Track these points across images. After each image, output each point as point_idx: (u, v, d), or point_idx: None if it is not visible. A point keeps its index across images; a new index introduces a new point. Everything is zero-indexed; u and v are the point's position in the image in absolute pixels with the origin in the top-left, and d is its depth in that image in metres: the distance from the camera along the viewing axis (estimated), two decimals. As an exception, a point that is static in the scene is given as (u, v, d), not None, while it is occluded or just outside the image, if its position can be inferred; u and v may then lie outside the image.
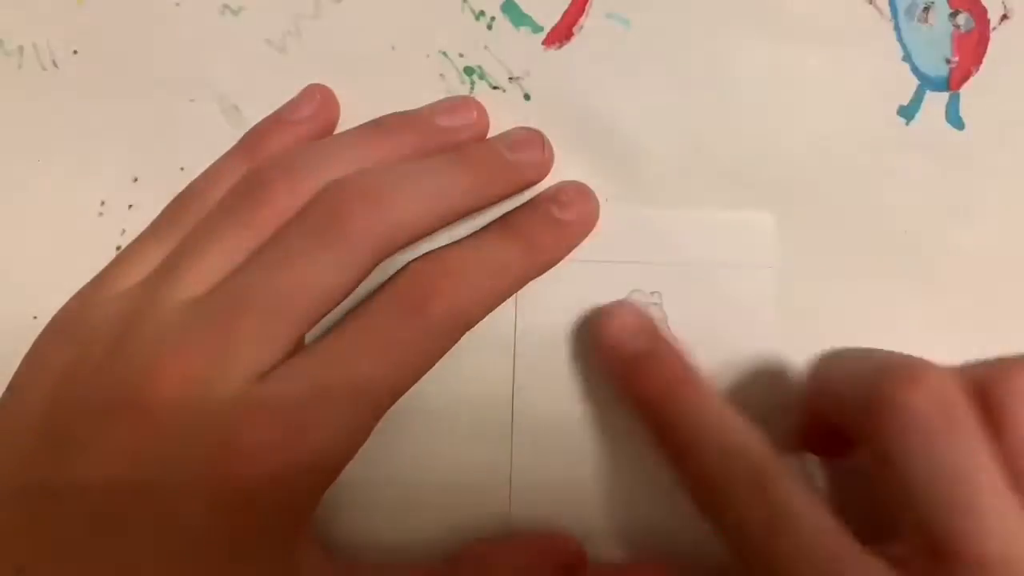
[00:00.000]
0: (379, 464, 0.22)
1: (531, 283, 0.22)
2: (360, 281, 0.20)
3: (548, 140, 0.23)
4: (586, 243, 0.23)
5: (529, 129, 0.24)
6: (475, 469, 0.24)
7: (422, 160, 0.22)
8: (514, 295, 0.23)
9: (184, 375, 0.18)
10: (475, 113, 0.23)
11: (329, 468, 0.19)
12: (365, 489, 0.23)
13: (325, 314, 0.20)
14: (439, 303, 0.20)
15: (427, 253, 0.21)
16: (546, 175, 0.24)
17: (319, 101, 0.24)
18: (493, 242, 0.22)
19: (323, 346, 0.20)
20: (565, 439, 0.24)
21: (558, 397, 0.24)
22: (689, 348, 0.23)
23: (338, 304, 0.20)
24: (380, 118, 0.23)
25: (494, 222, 0.23)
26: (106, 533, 0.18)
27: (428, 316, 0.20)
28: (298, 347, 0.20)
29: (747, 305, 0.24)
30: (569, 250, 0.23)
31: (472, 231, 0.23)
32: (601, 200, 0.24)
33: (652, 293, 0.24)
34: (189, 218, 0.22)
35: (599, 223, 0.24)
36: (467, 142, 0.23)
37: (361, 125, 0.23)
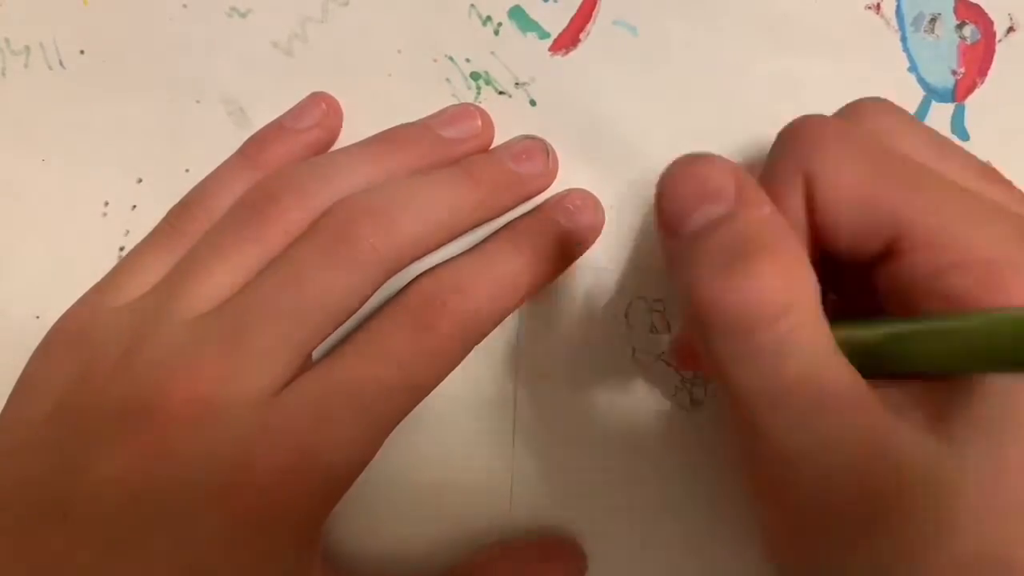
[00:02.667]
0: (381, 466, 0.22)
1: (536, 288, 0.22)
2: (368, 298, 0.20)
3: (552, 148, 0.23)
4: (591, 249, 0.23)
5: (533, 138, 0.24)
6: (477, 470, 0.24)
7: (428, 176, 0.22)
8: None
9: (195, 393, 0.18)
10: (479, 121, 0.23)
11: (340, 484, 0.19)
12: (367, 490, 0.23)
13: (334, 330, 0.20)
14: (448, 320, 0.20)
15: (435, 268, 0.21)
16: (551, 184, 0.24)
17: (322, 110, 0.24)
18: (500, 254, 0.22)
19: (333, 363, 0.20)
20: (567, 441, 0.24)
21: (560, 400, 0.24)
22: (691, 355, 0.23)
23: (346, 320, 0.20)
24: (386, 131, 0.23)
25: (500, 231, 0.23)
26: (115, 550, 0.18)
27: (438, 334, 0.20)
28: (307, 363, 0.20)
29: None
30: (577, 258, 0.23)
31: (478, 238, 0.23)
32: (606, 207, 0.24)
33: (655, 300, 0.24)
34: (193, 227, 0.22)
35: (605, 230, 0.24)
36: (472, 154, 0.23)
37: (367, 139, 0.23)
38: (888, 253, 0.16)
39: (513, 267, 0.21)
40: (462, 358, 0.21)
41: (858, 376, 0.15)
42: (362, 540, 0.24)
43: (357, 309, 0.20)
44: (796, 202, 0.17)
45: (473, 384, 0.23)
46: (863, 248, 0.17)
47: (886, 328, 0.16)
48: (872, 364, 0.16)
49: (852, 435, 0.15)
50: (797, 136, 0.17)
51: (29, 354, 0.21)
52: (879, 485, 0.15)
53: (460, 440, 0.24)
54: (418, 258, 0.21)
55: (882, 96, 0.19)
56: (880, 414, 0.15)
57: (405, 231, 0.20)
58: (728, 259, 0.15)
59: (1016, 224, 0.16)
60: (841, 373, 0.15)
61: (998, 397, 0.15)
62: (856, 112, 0.19)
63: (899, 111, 0.19)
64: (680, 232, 0.16)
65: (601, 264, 0.24)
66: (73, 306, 0.22)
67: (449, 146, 0.23)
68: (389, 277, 0.20)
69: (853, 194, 0.16)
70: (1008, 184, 0.18)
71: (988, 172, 0.18)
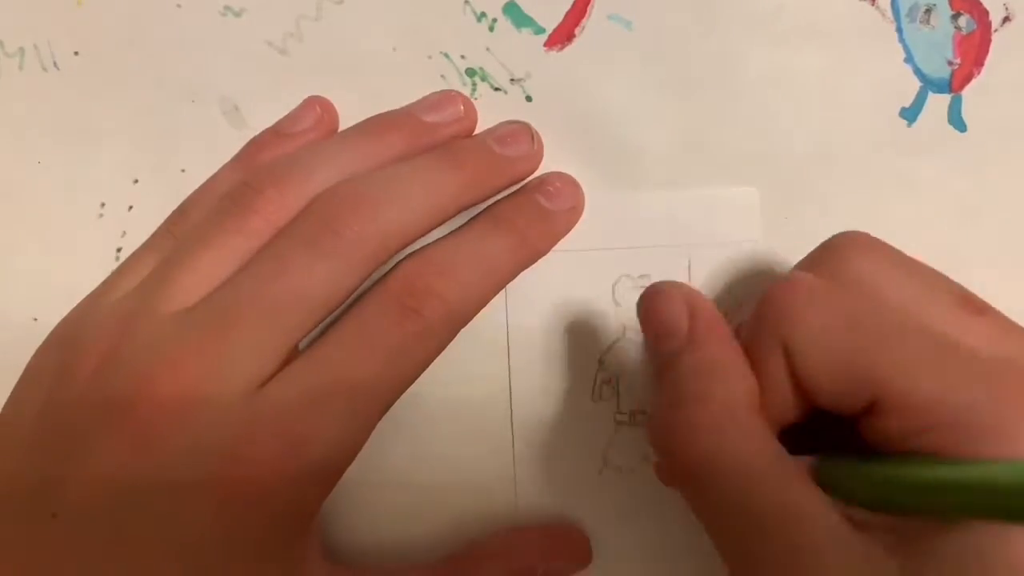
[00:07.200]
0: (383, 469, 0.22)
1: (520, 277, 0.22)
2: (355, 289, 0.20)
3: (537, 132, 0.23)
4: (572, 232, 0.23)
5: (517, 122, 0.24)
6: (479, 467, 0.24)
7: (412, 161, 0.22)
8: (504, 292, 0.23)
9: (179, 386, 0.18)
10: (461, 107, 0.23)
11: (330, 474, 0.19)
12: (370, 494, 0.23)
13: (320, 322, 0.20)
14: (433, 304, 0.20)
15: (418, 251, 0.21)
16: (537, 168, 0.24)
17: (317, 113, 0.24)
18: (483, 236, 0.22)
19: (319, 352, 0.20)
20: (565, 430, 0.24)
21: (554, 389, 0.24)
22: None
23: (333, 312, 0.20)
24: (367, 120, 0.23)
25: (482, 214, 0.23)
26: (104, 546, 0.18)
27: (423, 318, 0.20)
28: (293, 353, 0.20)
29: (734, 281, 0.24)
30: (558, 239, 0.23)
31: (461, 222, 0.23)
32: (587, 190, 0.24)
33: (640, 276, 0.24)
34: (186, 228, 0.22)
35: (584, 211, 0.24)
36: (456, 139, 0.23)
37: (349, 128, 0.23)
38: (868, 411, 0.17)
39: (497, 248, 0.21)
40: (449, 341, 0.20)
41: (813, 501, 0.17)
42: (366, 543, 0.24)
43: (344, 299, 0.20)
44: (778, 370, 0.18)
45: (466, 381, 0.23)
46: (845, 407, 0.17)
47: (874, 469, 0.17)
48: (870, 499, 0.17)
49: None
50: (772, 306, 0.18)
51: (27, 356, 0.21)
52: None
53: (460, 439, 0.24)
54: (404, 246, 0.21)
55: (863, 232, 0.20)
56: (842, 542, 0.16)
57: (390, 218, 0.20)
58: (669, 401, 0.18)
59: (989, 373, 0.17)
60: (779, 498, 0.17)
61: (960, 539, 0.16)
62: (837, 252, 0.19)
63: (880, 247, 0.19)
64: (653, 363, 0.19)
65: (582, 246, 0.24)
66: (71, 311, 0.22)
67: (432, 131, 0.23)
68: (375, 267, 0.20)
69: (827, 364, 0.17)
70: (987, 310, 0.18)
71: (968, 302, 0.18)
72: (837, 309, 0.18)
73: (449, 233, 0.22)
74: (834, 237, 0.19)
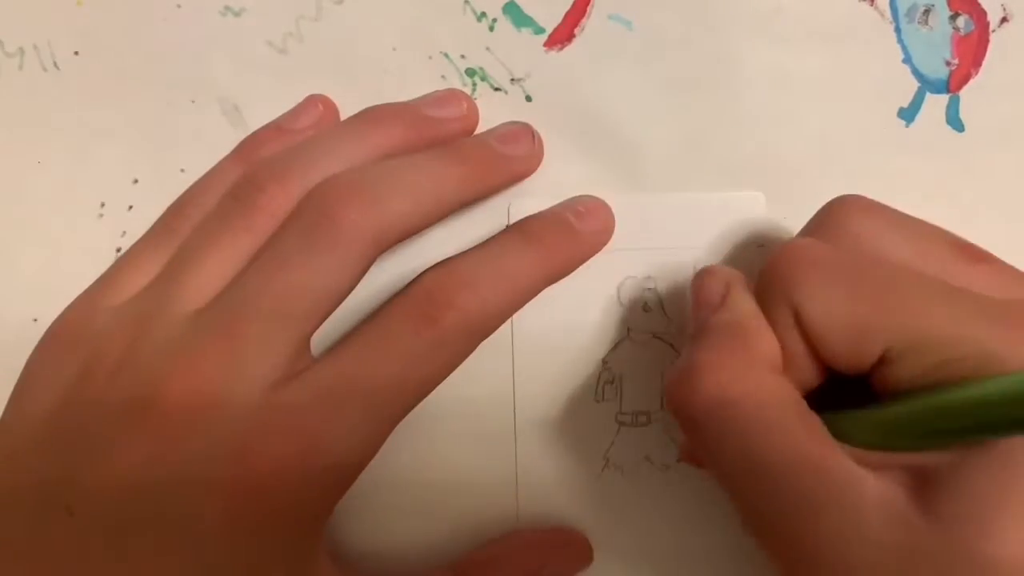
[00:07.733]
0: (385, 468, 0.22)
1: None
2: (359, 278, 0.20)
3: (538, 133, 0.24)
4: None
5: (518, 122, 0.24)
6: (481, 467, 0.24)
7: (412, 155, 0.22)
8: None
9: (193, 386, 0.18)
10: (465, 105, 0.23)
11: (343, 477, 0.19)
12: (372, 493, 0.23)
13: (329, 313, 0.20)
14: (453, 314, 0.20)
15: (442, 262, 0.21)
16: (536, 168, 0.24)
17: (319, 111, 0.24)
18: (509, 251, 0.22)
19: (337, 356, 0.20)
20: (567, 430, 0.24)
21: (557, 389, 0.24)
22: (684, 331, 0.23)
23: (340, 302, 0.20)
24: (368, 109, 0.23)
25: (510, 229, 0.23)
26: (121, 541, 0.18)
27: (442, 327, 0.20)
28: (308, 353, 0.20)
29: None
30: (585, 259, 0.23)
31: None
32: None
33: (645, 278, 0.24)
34: (186, 225, 0.22)
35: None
36: (457, 135, 0.23)
37: (350, 118, 0.23)
38: (881, 361, 0.17)
39: (521, 263, 0.21)
40: (469, 353, 0.20)
41: (822, 444, 0.17)
42: (371, 540, 0.24)
43: (349, 289, 0.20)
44: (790, 335, 0.18)
45: (470, 383, 0.23)
46: (858, 363, 0.18)
47: (897, 407, 0.17)
48: (890, 441, 0.17)
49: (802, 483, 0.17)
50: (777, 272, 0.18)
51: (26, 356, 0.21)
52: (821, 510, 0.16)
53: (463, 440, 0.24)
54: (405, 237, 0.21)
55: (860, 195, 0.20)
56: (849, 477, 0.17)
57: (387, 206, 0.20)
58: (695, 348, 0.18)
59: (997, 308, 0.17)
60: (799, 445, 0.17)
61: (982, 472, 0.16)
62: (836, 216, 0.19)
63: (878, 209, 0.19)
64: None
65: None
66: (69, 306, 0.22)
67: (433, 124, 0.23)
68: (376, 256, 0.20)
69: (838, 321, 0.18)
70: (987, 258, 0.19)
71: (967, 251, 0.19)
72: (840, 268, 0.18)
73: (475, 246, 0.22)
74: (832, 201, 0.20)
